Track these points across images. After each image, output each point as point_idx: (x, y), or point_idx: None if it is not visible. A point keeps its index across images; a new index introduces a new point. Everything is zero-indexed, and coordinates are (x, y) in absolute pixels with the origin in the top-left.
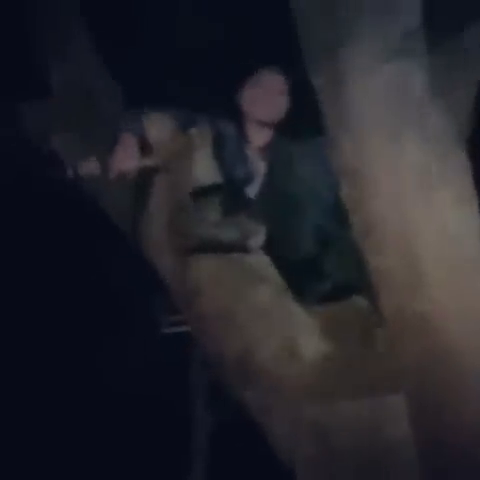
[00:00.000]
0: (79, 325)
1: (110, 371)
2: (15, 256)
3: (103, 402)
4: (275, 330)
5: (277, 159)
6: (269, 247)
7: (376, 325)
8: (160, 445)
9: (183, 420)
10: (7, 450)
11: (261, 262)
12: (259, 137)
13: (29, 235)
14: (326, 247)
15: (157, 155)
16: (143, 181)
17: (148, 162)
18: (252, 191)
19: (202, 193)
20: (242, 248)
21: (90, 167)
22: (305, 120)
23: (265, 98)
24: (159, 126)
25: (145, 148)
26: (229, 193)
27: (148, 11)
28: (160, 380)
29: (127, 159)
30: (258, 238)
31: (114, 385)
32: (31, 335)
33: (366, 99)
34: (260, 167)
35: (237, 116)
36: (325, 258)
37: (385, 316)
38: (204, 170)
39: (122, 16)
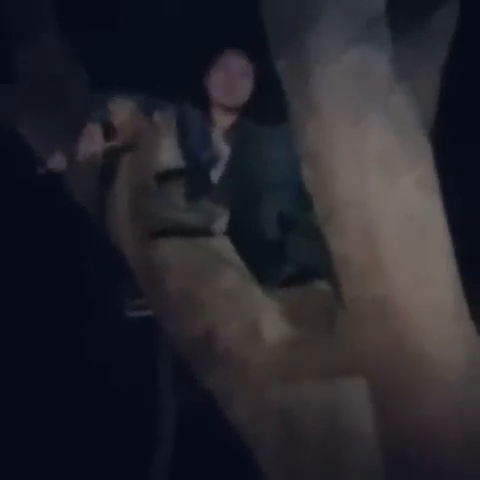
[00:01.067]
0: (46, 309)
1: (76, 355)
2: None
3: (69, 386)
4: (238, 313)
5: (241, 142)
6: (233, 230)
7: (338, 309)
8: (127, 429)
9: (150, 403)
10: None
11: (225, 246)
12: (224, 120)
13: None
14: (289, 231)
15: (121, 138)
16: (108, 165)
17: (113, 143)
18: (216, 175)
19: (166, 177)
20: (206, 232)
21: (56, 161)
22: (271, 104)
23: (229, 82)
24: (123, 110)
25: (110, 132)
26: (193, 177)
27: None
28: (126, 364)
29: (92, 146)
30: (221, 222)
31: (81, 369)
32: None
33: (330, 84)
34: (224, 151)
35: (202, 99)
36: (288, 242)
37: (346, 301)
38: (168, 154)
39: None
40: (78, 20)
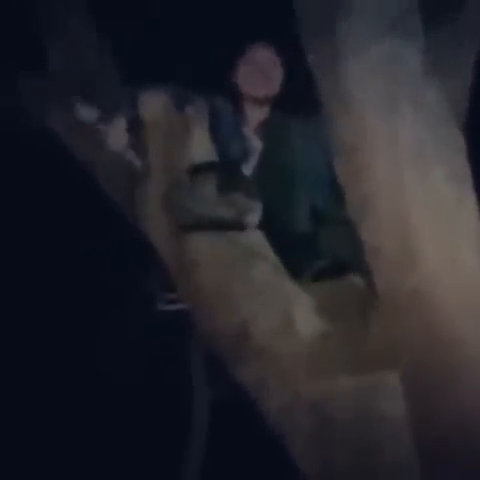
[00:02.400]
0: (74, 305)
1: (108, 350)
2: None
3: (102, 381)
4: (271, 307)
5: (273, 136)
6: (265, 224)
7: (372, 303)
8: (160, 423)
9: (183, 397)
10: None
11: (258, 240)
12: (255, 114)
13: (24, 212)
14: (322, 225)
15: (152, 134)
16: (139, 158)
17: (142, 143)
18: (248, 168)
19: (198, 171)
20: (239, 225)
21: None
22: (303, 97)
23: (258, 74)
24: (156, 104)
25: (138, 127)
26: (225, 171)
27: None
28: (159, 358)
29: (116, 140)
30: (254, 215)
31: (113, 364)
32: (22, 314)
33: (361, 76)
34: (257, 145)
35: (233, 95)
36: (321, 236)
37: (379, 294)
38: (200, 148)
39: None
40: (110, 13)
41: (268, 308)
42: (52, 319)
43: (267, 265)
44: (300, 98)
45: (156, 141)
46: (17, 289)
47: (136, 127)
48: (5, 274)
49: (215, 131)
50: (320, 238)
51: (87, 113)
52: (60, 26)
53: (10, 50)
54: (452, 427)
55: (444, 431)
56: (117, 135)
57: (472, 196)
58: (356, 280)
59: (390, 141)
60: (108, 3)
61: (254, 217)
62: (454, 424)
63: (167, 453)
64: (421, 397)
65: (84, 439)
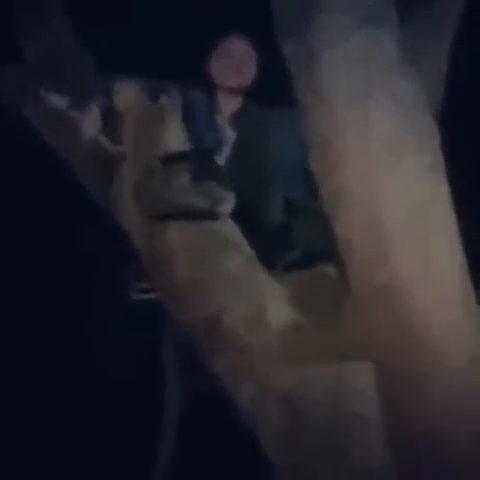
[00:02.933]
0: (49, 294)
1: (80, 338)
2: None
3: (75, 368)
4: (244, 297)
5: (247, 127)
6: (239, 215)
7: (344, 294)
8: (131, 417)
9: (154, 388)
10: None
11: (231, 230)
12: (229, 105)
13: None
14: (296, 216)
15: (126, 123)
16: (113, 145)
17: (116, 131)
18: (221, 158)
19: (171, 160)
20: (211, 215)
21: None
22: (277, 89)
23: (232, 65)
24: (129, 94)
25: (112, 116)
26: (198, 160)
27: None
28: (131, 348)
29: (90, 129)
30: (227, 205)
31: (86, 352)
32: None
33: (337, 67)
34: (230, 135)
35: (206, 85)
36: (295, 227)
37: (352, 286)
38: (173, 137)
39: None
40: (85, 7)
41: (241, 298)
42: (27, 310)
43: (240, 255)
44: (276, 91)
45: (130, 130)
46: None
47: (110, 116)
48: None
49: (189, 121)
50: (294, 229)
51: (57, 100)
52: (36, 20)
53: None
54: (420, 421)
55: (413, 424)
56: (91, 122)
57: (445, 188)
58: (329, 270)
59: (364, 133)
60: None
61: (227, 207)
62: (422, 419)
63: (139, 444)
64: (391, 391)
65: (55, 429)
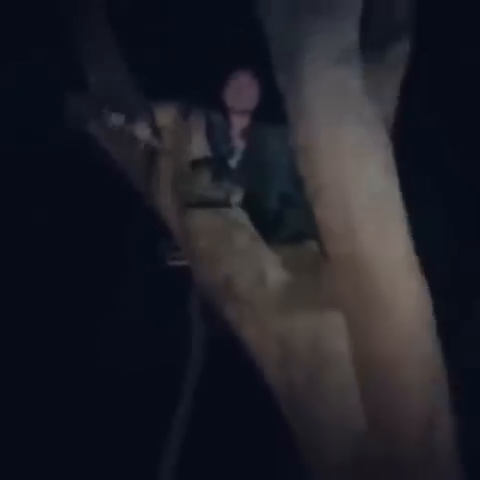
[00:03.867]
0: (107, 262)
1: (123, 299)
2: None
3: (121, 316)
4: (249, 264)
5: (253, 139)
6: (245, 204)
7: (322, 261)
8: (165, 354)
9: (184, 333)
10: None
11: (240, 215)
12: (239, 123)
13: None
14: (287, 205)
15: (163, 135)
16: (154, 154)
17: (156, 142)
18: (233, 163)
19: (197, 164)
20: (226, 204)
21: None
22: (276, 111)
23: (240, 94)
24: (168, 115)
25: (155, 131)
26: (216, 164)
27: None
28: (166, 303)
29: (144, 134)
30: (237, 197)
31: (131, 305)
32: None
33: (316, 94)
34: (240, 145)
35: (223, 109)
36: (287, 213)
37: (328, 256)
38: (198, 147)
39: (141, 31)
40: (133, 47)
41: (247, 265)
42: (82, 273)
43: (247, 234)
44: (273, 112)
45: (166, 141)
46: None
47: (153, 130)
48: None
49: (209, 135)
50: (286, 214)
51: (116, 118)
52: (97, 57)
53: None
54: (379, 356)
55: (374, 358)
56: (143, 130)
57: (397, 183)
58: (312, 245)
59: (336, 144)
60: (132, 43)
61: (237, 198)
62: (380, 354)
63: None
64: (356, 333)
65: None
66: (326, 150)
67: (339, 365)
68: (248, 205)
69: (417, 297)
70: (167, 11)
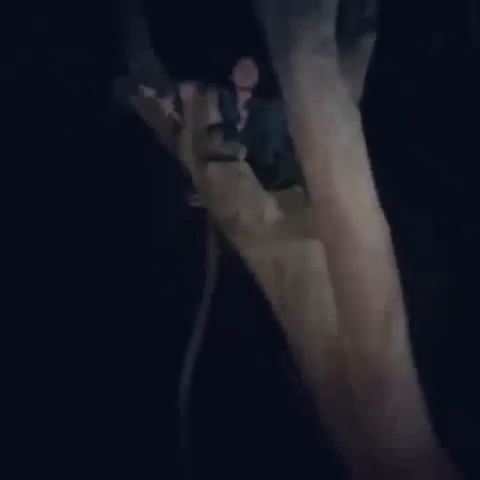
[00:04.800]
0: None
1: (161, 224)
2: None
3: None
4: (251, 205)
5: (253, 109)
6: (248, 159)
7: (306, 202)
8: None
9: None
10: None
11: (245, 167)
12: (243, 97)
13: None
14: (280, 159)
15: (185, 107)
16: (180, 120)
17: (176, 114)
18: (240, 127)
19: (212, 128)
20: (234, 159)
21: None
22: (272, 88)
23: (244, 75)
24: (189, 90)
25: (180, 103)
26: (227, 128)
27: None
28: (187, 237)
29: (166, 107)
30: (242, 153)
31: (162, 233)
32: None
33: (302, 77)
34: (244, 114)
35: (231, 87)
36: (280, 166)
37: (310, 198)
38: (213, 116)
39: (170, 29)
40: (162, 40)
41: (249, 205)
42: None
43: (250, 181)
44: (270, 90)
45: (188, 111)
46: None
47: (177, 102)
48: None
49: (221, 106)
50: (279, 167)
51: (149, 92)
52: (136, 49)
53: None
54: (352, 274)
55: (348, 274)
56: (167, 104)
57: (364, 145)
58: (299, 190)
59: (319, 114)
60: (163, 35)
61: (242, 155)
62: (353, 272)
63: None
64: (332, 257)
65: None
66: (311, 118)
67: (320, 279)
68: (250, 160)
69: (378, 231)
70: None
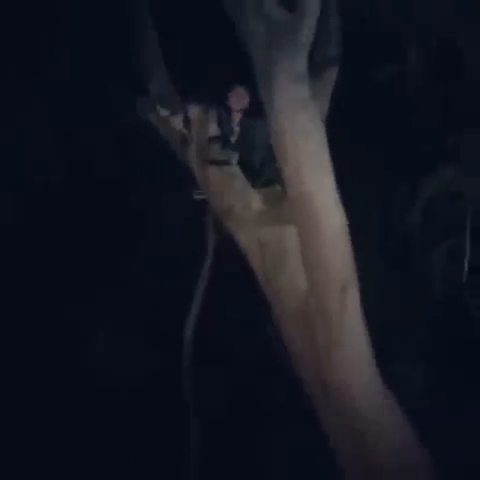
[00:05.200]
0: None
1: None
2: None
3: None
4: (242, 198)
5: (244, 126)
6: (240, 163)
7: (284, 198)
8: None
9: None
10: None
11: (236, 170)
12: (236, 117)
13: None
14: (264, 163)
15: (192, 123)
16: (187, 134)
17: (185, 129)
18: (233, 139)
19: (212, 139)
20: (228, 163)
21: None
22: (258, 111)
23: (237, 100)
24: (196, 110)
25: (188, 120)
26: (223, 139)
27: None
28: (190, 224)
29: (177, 124)
30: (235, 159)
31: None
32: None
33: (281, 99)
34: (237, 130)
35: (227, 109)
36: (264, 168)
37: (287, 194)
38: (213, 130)
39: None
40: (175, 67)
41: (240, 198)
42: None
43: (240, 180)
44: (258, 111)
45: (194, 126)
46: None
47: (186, 120)
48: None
49: (219, 123)
50: (264, 169)
51: (164, 111)
52: (154, 75)
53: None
54: (324, 256)
55: (319, 259)
56: (178, 122)
57: (327, 151)
58: (279, 188)
59: (293, 129)
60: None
61: (235, 160)
62: (324, 254)
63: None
64: (304, 242)
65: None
66: (286, 133)
67: (293, 256)
68: (241, 164)
69: (339, 219)
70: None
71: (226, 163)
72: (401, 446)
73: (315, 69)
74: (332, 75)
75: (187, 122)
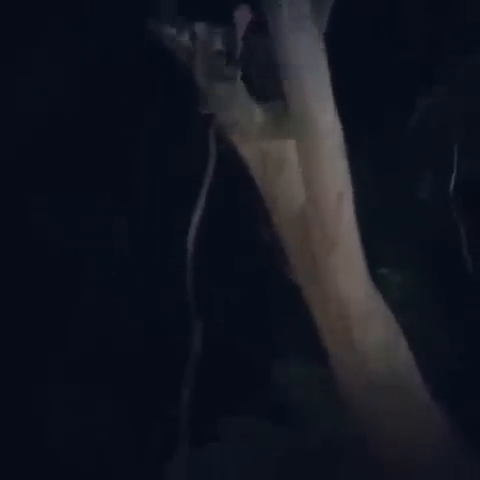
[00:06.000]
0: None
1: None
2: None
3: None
4: (245, 113)
5: (248, 43)
6: (243, 78)
7: (286, 112)
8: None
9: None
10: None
11: (240, 85)
12: (240, 34)
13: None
14: (267, 80)
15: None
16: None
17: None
18: (237, 55)
19: (217, 55)
20: (233, 78)
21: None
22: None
23: (241, 17)
24: (200, 27)
25: (194, 37)
26: (228, 55)
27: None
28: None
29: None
30: (239, 75)
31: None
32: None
33: (286, 18)
34: (241, 45)
35: (231, 25)
36: (267, 85)
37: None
38: (218, 45)
39: None
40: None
41: (244, 114)
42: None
43: (244, 95)
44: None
45: (199, 44)
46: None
47: (192, 36)
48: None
49: (224, 40)
50: (267, 86)
51: (171, 30)
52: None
53: None
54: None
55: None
56: (184, 38)
57: (327, 69)
58: (280, 103)
59: (297, 41)
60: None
61: (239, 75)
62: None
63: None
64: (307, 176)
65: None
66: (291, 50)
67: (292, 168)
68: (245, 79)
69: (338, 142)
70: None
71: (231, 78)
72: (386, 338)
73: None
74: None
75: (193, 39)
